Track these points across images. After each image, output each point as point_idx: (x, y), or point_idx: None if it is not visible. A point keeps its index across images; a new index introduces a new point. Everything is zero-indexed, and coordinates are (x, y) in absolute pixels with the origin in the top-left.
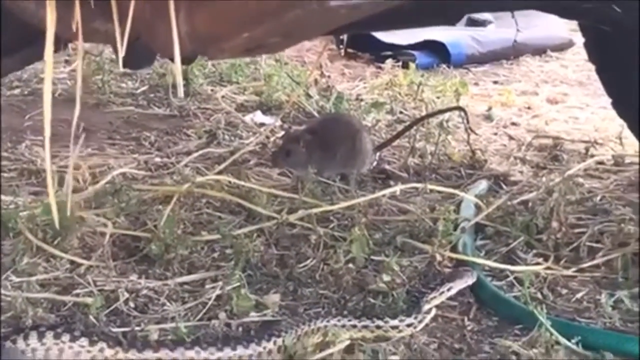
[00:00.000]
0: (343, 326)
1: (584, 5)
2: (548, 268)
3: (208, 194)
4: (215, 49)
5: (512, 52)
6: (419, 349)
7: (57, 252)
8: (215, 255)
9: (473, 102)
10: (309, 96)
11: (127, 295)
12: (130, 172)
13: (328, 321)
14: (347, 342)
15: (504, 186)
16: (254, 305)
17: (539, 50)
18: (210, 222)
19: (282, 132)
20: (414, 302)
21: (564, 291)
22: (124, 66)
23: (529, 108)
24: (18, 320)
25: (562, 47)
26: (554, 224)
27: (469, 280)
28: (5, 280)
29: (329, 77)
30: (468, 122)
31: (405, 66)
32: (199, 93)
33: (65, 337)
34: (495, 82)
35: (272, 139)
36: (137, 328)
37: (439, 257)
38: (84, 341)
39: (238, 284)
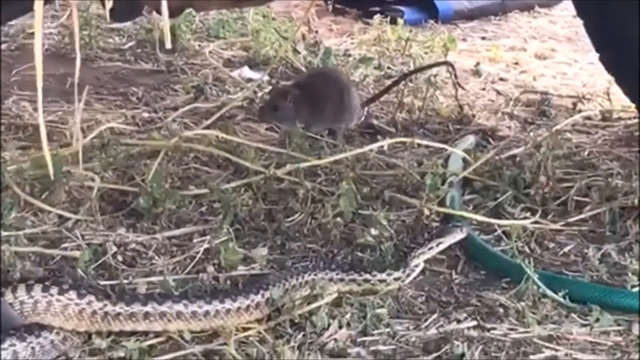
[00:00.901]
0: (331, 279)
1: None
2: (535, 222)
3: (196, 148)
4: (202, 1)
5: (500, 8)
6: (406, 302)
7: (45, 206)
8: (203, 209)
9: (461, 57)
10: (296, 52)
11: (115, 248)
12: (117, 127)
13: (316, 275)
14: (335, 296)
15: (491, 141)
16: (242, 259)
17: (528, 6)
18: (198, 176)
19: (270, 88)
20: (402, 256)
21: (552, 245)
22: (111, 19)
23: (516, 64)
24: (6, 274)
25: (551, 3)
26: (542, 179)
27: (458, 236)
28: None
29: (316, 32)
30: (456, 77)
31: (393, 22)
32: (186, 48)
33: (54, 290)
34: (484, 38)
35: (259, 94)
36: (125, 281)
37: (426, 212)
38: (72, 294)
39: (226, 237)
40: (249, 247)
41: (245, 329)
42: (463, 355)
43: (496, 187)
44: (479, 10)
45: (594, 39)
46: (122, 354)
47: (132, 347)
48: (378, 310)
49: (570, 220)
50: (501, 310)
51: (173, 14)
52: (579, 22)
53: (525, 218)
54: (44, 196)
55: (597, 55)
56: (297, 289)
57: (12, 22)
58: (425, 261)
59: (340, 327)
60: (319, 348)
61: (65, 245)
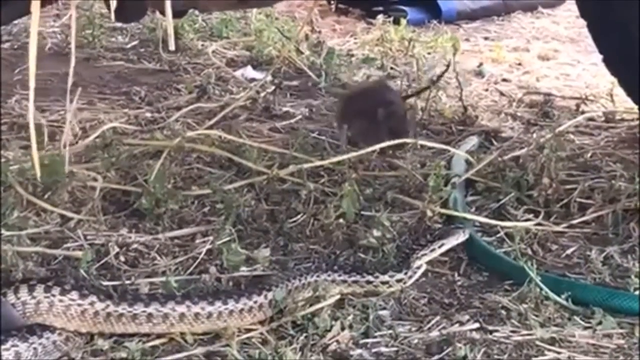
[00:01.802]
0: (333, 281)
1: None
2: (538, 224)
3: (198, 148)
4: (206, 1)
5: (503, 9)
6: (408, 304)
7: (47, 206)
8: (206, 209)
9: (464, 58)
10: (299, 51)
11: (117, 249)
12: (120, 126)
13: (318, 276)
14: (337, 297)
15: (494, 142)
16: (245, 259)
17: (531, 7)
18: (201, 176)
19: (272, 87)
20: (404, 257)
21: (554, 247)
22: (116, 19)
23: (520, 64)
24: (8, 274)
25: (554, 3)
26: (545, 180)
27: (461, 238)
28: None
29: (319, 32)
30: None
31: (396, 22)
32: (189, 48)
33: (56, 291)
34: (487, 39)
35: (262, 94)
36: (127, 282)
37: (429, 213)
38: (74, 295)
39: (228, 238)
40: (252, 248)
41: (247, 331)
42: (465, 357)
43: (499, 188)
44: (482, 10)
45: (597, 40)
46: (124, 355)
47: (135, 348)
48: (380, 312)
49: (573, 222)
50: (504, 312)
51: (176, 15)
52: (582, 23)
53: (528, 220)
54: (46, 196)
55: (600, 56)
56: (299, 291)
57: (15, 22)
58: (428, 263)
59: (343, 328)
60: (321, 350)
61: (68, 245)
